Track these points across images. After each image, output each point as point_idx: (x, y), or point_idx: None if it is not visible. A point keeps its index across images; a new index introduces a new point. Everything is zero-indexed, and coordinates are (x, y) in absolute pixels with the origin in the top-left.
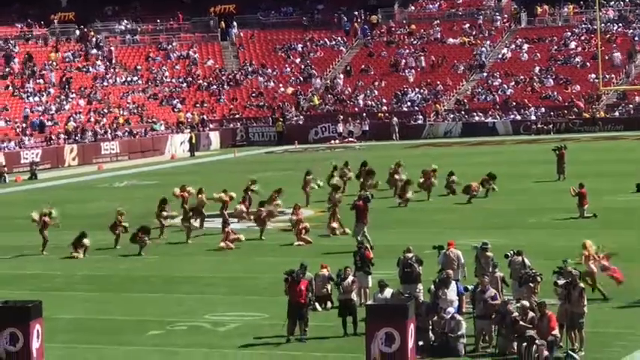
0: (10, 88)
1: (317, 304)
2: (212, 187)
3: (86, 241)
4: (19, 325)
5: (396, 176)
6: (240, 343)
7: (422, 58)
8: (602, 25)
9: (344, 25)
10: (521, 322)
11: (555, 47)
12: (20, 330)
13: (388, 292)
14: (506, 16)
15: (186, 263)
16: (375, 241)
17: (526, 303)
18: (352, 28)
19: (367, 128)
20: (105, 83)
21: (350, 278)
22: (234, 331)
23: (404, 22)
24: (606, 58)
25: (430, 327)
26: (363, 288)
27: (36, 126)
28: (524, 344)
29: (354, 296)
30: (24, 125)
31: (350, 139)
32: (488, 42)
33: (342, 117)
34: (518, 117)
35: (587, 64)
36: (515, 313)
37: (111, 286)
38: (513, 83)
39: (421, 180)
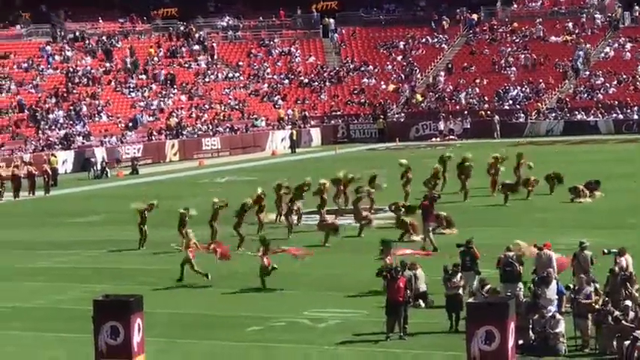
0: (113, 83)
1: (421, 301)
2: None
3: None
4: (120, 318)
5: (520, 171)
6: (339, 340)
7: (524, 56)
8: None
9: (446, 23)
10: (624, 322)
11: None
12: (121, 324)
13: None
14: (609, 14)
15: (284, 259)
16: (476, 239)
17: (629, 303)
18: (454, 27)
19: (468, 126)
20: (207, 79)
21: (458, 275)
22: (334, 328)
23: (506, 19)
24: None
25: (530, 326)
26: (468, 287)
27: (138, 122)
28: (626, 343)
29: (460, 292)
30: (126, 121)
31: (451, 136)
32: (589, 41)
33: (443, 115)
34: (621, 116)
35: None
36: (617, 313)
37: (209, 281)
38: (616, 82)
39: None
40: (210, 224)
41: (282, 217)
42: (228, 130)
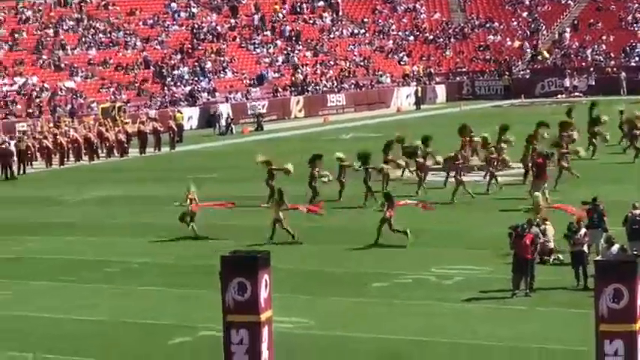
0: (238, 40)
1: (560, 255)
2: (437, 141)
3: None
4: (247, 275)
5: None
6: (465, 297)
7: None
8: None
9: None
10: None
11: None
12: (248, 280)
13: (615, 249)
14: None
15: (413, 215)
16: (602, 196)
17: None
18: None
19: (593, 83)
20: (331, 35)
21: (582, 231)
22: (459, 285)
23: None
24: None
25: None
26: (595, 244)
27: (263, 78)
28: None
29: (585, 249)
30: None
31: (576, 93)
32: None
33: (568, 71)
34: None
35: None
36: None
37: (332, 238)
38: None
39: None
40: (339, 180)
41: (409, 173)
42: (353, 86)
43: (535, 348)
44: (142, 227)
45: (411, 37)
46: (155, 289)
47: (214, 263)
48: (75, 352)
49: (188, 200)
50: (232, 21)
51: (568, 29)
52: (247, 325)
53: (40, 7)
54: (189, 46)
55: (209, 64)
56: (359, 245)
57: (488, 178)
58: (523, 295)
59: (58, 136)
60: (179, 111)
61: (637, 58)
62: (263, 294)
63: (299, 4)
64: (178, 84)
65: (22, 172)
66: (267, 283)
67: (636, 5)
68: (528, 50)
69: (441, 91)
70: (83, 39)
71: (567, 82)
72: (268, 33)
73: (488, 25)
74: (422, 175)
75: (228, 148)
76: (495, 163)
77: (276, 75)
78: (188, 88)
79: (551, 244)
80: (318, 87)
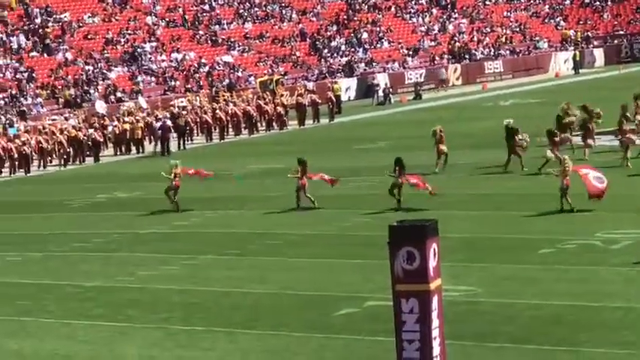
0: (393, 9)
1: None
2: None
3: None
4: (416, 243)
5: None
6: (633, 261)
7: None
8: None
9: None
10: None
11: None
12: (417, 248)
13: None
14: None
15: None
16: None
17: None
18: None
19: None
20: (487, 2)
21: None
22: (627, 249)
23: None
24: None
25: None
26: None
27: (419, 47)
28: None
29: None
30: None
31: None
32: None
33: None
34: None
35: None
36: None
37: (495, 204)
38: None
39: None
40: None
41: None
42: (510, 52)
43: None
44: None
45: (567, 1)
46: (318, 261)
47: (378, 233)
48: (247, 324)
49: (173, 175)
50: None
51: None
52: (417, 294)
53: None
54: (345, 17)
55: (365, 35)
56: (529, 212)
57: None
58: None
59: (217, 111)
60: (336, 82)
61: None
62: (432, 262)
63: None
64: (335, 55)
65: (182, 147)
66: (435, 251)
67: None
68: None
69: (599, 54)
70: (239, 13)
71: None
72: (424, 2)
73: None
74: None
75: (387, 118)
76: None
77: (433, 43)
78: (345, 59)
79: None
80: (475, 54)
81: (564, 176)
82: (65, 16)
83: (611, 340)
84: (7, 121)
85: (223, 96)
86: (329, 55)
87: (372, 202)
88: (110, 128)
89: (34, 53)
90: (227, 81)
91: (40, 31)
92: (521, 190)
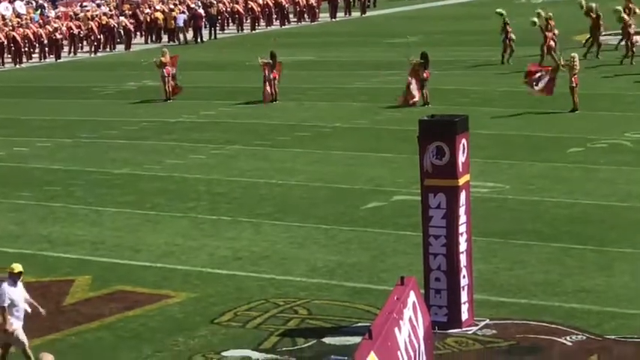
0: None
1: None
2: None
3: None
4: (445, 138)
5: None
6: None
7: None
8: None
9: None
10: None
11: None
12: (447, 144)
13: None
14: None
15: (606, 82)
16: None
17: None
18: None
19: None
20: None
21: None
22: None
23: None
24: None
25: None
26: None
27: None
28: None
29: None
30: None
31: None
32: None
33: None
34: None
35: None
36: None
37: (529, 102)
38: None
39: None
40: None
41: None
42: None
43: None
44: (332, 92)
45: None
46: (348, 154)
47: (409, 128)
48: (274, 215)
49: (161, 61)
50: None
51: None
52: (445, 189)
53: None
54: None
55: None
56: (555, 110)
57: None
58: None
59: (249, 1)
60: None
61: None
62: (461, 158)
63: None
64: None
65: (213, 37)
66: (464, 147)
67: None
68: None
69: None
70: None
71: None
72: None
73: None
74: None
75: (419, 13)
76: None
77: None
78: None
79: None
80: None
81: (572, 74)
82: None
83: (638, 240)
84: (38, 7)
85: None
86: None
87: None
88: (142, 17)
89: None
90: None
91: None
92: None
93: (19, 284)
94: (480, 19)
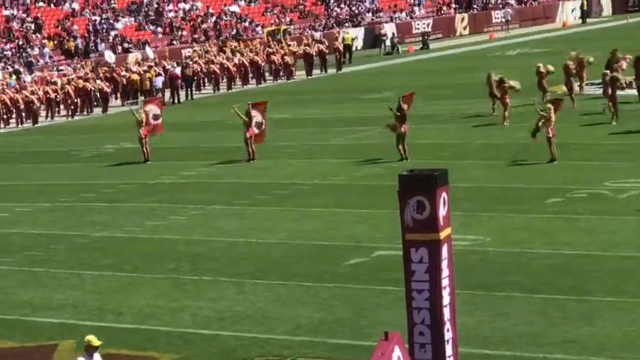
0: None
1: None
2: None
3: None
4: (426, 192)
5: None
6: None
7: None
8: None
9: None
10: None
11: None
12: (427, 198)
13: None
14: None
15: (580, 130)
16: None
17: None
18: None
19: None
20: None
21: None
22: (636, 198)
23: None
24: None
25: None
26: None
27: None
28: None
29: None
30: None
31: None
32: None
33: None
34: None
35: None
36: None
37: (507, 154)
38: None
39: None
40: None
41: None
42: (517, 2)
43: None
44: (310, 150)
45: None
46: (327, 211)
47: (388, 183)
48: (255, 274)
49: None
50: None
51: None
52: (427, 243)
53: None
54: None
55: None
56: (533, 161)
57: None
58: None
59: (224, 61)
60: (347, 32)
61: None
62: (442, 212)
63: None
64: (342, 6)
65: (189, 97)
66: (445, 200)
67: None
68: None
69: (606, 3)
70: None
71: None
72: None
73: None
74: None
75: (395, 68)
76: None
77: None
78: (351, 9)
79: None
80: (482, 4)
81: (548, 125)
82: None
83: (619, 289)
84: (14, 72)
85: (230, 46)
86: (335, 4)
87: (378, 152)
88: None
89: (40, 4)
90: (234, 31)
91: None
92: (530, 140)
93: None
94: (456, 73)
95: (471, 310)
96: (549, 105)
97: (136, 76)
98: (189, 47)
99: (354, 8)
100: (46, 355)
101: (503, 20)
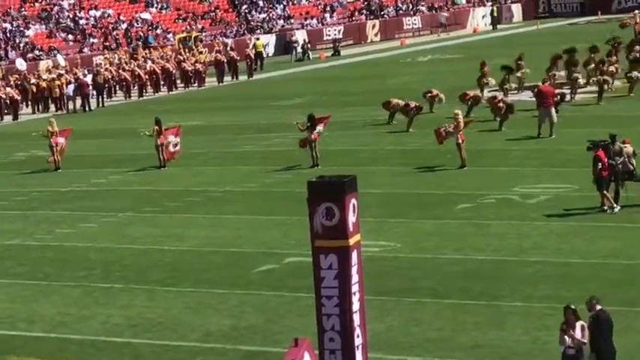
0: None
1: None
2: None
3: None
4: (334, 199)
5: None
6: (549, 215)
7: None
8: None
9: None
10: None
11: None
12: (336, 204)
13: None
14: None
15: (494, 135)
16: None
17: None
18: None
19: None
20: None
21: None
22: (544, 203)
23: None
24: None
25: None
26: None
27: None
28: None
29: None
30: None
31: None
32: None
33: None
34: None
35: None
36: None
37: (417, 160)
38: None
39: None
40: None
41: None
42: (428, 8)
43: (621, 264)
44: (221, 156)
45: None
46: (238, 218)
47: (299, 190)
48: (166, 281)
49: (48, 130)
50: None
51: None
52: (336, 250)
53: None
54: None
55: None
56: (443, 167)
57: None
58: (606, 211)
59: (135, 68)
60: (258, 38)
61: None
62: (351, 218)
63: None
64: (253, 12)
65: (100, 104)
66: (354, 207)
67: None
68: None
69: (517, 10)
70: None
71: None
72: None
73: None
74: None
75: (306, 75)
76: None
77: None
78: (263, 15)
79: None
80: (393, 10)
81: (458, 131)
82: None
83: (529, 294)
84: None
85: (142, 53)
86: (247, 11)
87: (290, 159)
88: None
89: None
90: (143, 38)
91: None
92: (440, 145)
93: None
94: (366, 79)
95: (381, 315)
96: (457, 110)
97: (44, 84)
98: (100, 54)
99: (264, 15)
100: None
101: (440, 22)
